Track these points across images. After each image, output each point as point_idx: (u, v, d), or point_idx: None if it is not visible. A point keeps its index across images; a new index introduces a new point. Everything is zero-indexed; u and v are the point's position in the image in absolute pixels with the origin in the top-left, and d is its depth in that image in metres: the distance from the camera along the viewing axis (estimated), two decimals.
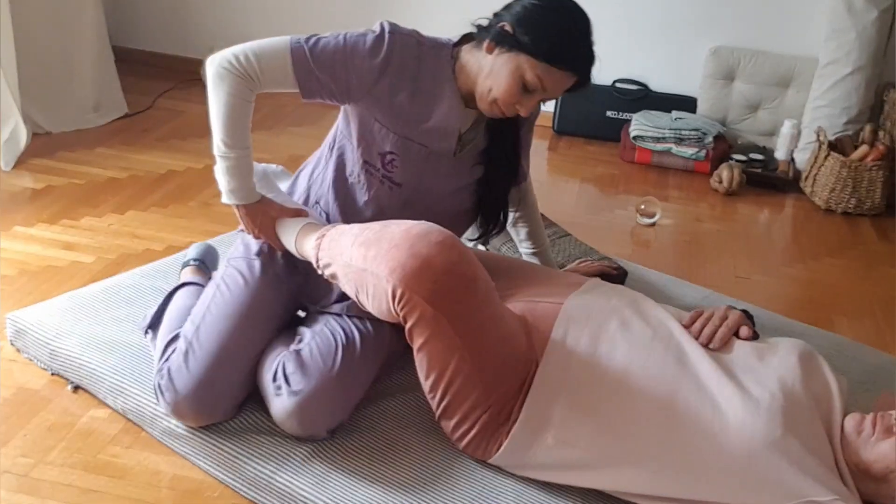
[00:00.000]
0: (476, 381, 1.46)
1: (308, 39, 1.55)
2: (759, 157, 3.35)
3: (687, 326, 1.56)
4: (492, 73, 1.54)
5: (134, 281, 2.05)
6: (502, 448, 1.49)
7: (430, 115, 1.61)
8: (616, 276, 2.08)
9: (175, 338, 1.65)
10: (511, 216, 1.92)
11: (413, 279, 1.37)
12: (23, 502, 1.49)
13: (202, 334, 1.60)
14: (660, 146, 3.38)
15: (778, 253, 2.80)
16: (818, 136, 3.19)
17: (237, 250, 1.75)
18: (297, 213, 1.67)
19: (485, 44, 1.55)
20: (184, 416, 1.58)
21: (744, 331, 1.57)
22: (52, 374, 1.81)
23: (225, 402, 1.60)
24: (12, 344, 1.89)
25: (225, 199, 1.64)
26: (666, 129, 3.36)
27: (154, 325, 1.78)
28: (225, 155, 1.59)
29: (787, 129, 3.35)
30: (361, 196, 1.68)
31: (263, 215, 1.65)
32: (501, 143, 1.72)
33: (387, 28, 1.57)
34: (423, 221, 1.47)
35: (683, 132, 3.34)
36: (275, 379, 1.57)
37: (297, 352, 1.58)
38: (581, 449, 1.44)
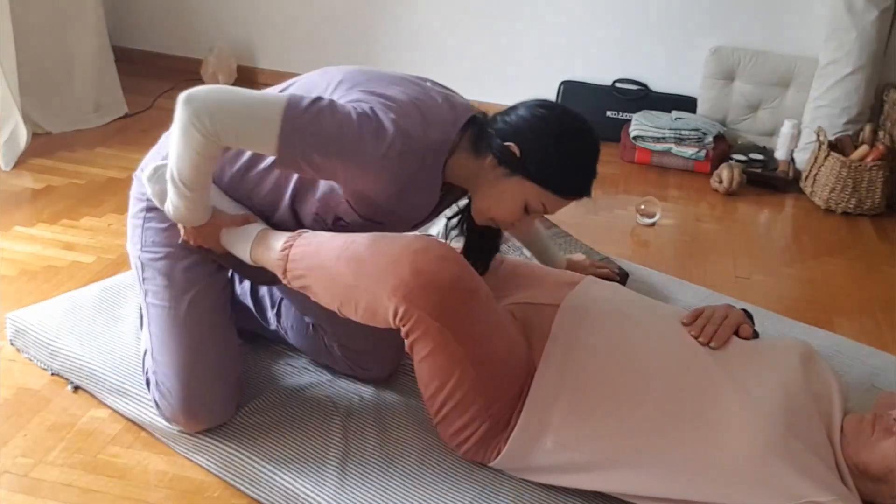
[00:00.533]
0: (478, 392, 1.45)
1: (304, 124, 1.35)
2: (759, 157, 3.35)
3: (687, 325, 1.57)
4: (492, 194, 1.46)
5: (134, 281, 2.04)
6: (502, 454, 1.49)
7: (410, 203, 1.50)
8: (618, 281, 2.08)
9: (146, 353, 1.64)
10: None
11: (418, 296, 1.34)
12: (23, 502, 1.49)
13: (159, 363, 1.58)
14: (660, 146, 3.38)
15: (778, 253, 2.80)
16: (818, 136, 3.19)
17: (143, 241, 1.60)
18: (245, 219, 1.55)
19: (487, 159, 1.44)
20: (186, 427, 1.59)
21: (744, 329, 1.57)
22: (52, 374, 1.81)
23: (217, 406, 1.59)
24: (12, 344, 1.89)
25: (174, 218, 1.50)
26: (666, 129, 3.36)
27: None
28: (183, 193, 1.44)
29: (787, 129, 3.35)
30: (316, 228, 1.56)
31: (209, 225, 1.53)
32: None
33: (395, 145, 1.37)
34: (417, 234, 1.44)
35: (683, 132, 3.34)
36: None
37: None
38: (581, 452, 1.44)
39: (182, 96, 1.35)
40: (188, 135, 1.36)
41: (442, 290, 1.35)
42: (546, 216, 2.45)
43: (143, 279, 1.62)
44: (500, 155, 1.43)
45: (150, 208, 1.61)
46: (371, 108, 1.39)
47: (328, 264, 1.42)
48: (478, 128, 1.49)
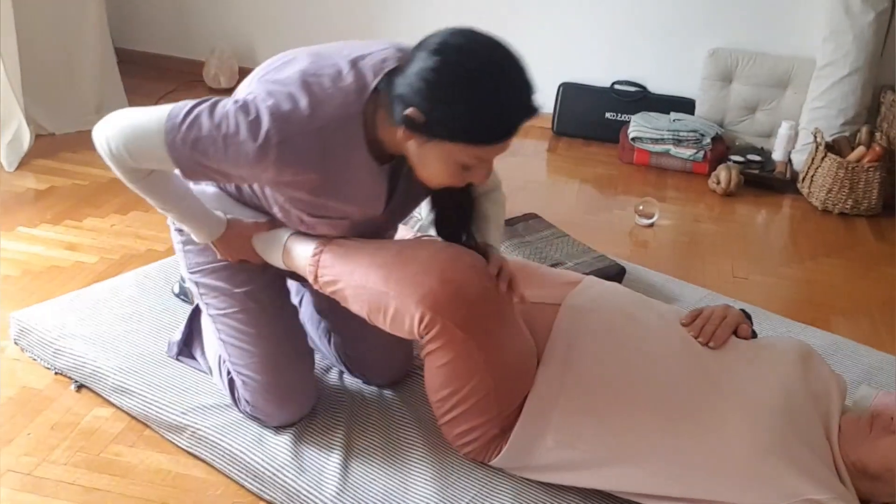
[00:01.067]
0: (492, 400, 1.45)
1: (185, 132, 1.29)
2: (757, 158, 3.36)
3: (686, 325, 1.57)
4: (423, 163, 1.32)
5: (137, 281, 2.06)
6: (502, 452, 1.50)
7: (348, 190, 1.39)
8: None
9: (224, 362, 1.66)
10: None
11: (446, 306, 1.33)
12: (26, 501, 1.50)
13: (240, 364, 1.61)
14: (658, 147, 3.39)
15: (775, 253, 2.81)
16: (815, 137, 3.20)
17: (188, 264, 1.63)
18: (271, 224, 1.53)
19: (399, 131, 1.29)
20: (279, 416, 1.62)
21: (742, 329, 1.58)
22: (56, 374, 1.83)
23: (305, 388, 1.64)
24: (16, 343, 1.90)
25: (197, 240, 1.53)
26: (664, 130, 3.37)
27: (185, 347, 1.79)
28: (170, 215, 1.48)
29: (784, 130, 3.36)
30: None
31: (238, 237, 1.53)
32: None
33: (271, 131, 1.27)
34: (446, 243, 1.41)
35: (682, 133, 3.36)
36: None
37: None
38: (581, 450, 1.45)
39: (95, 127, 1.35)
40: (108, 161, 1.36)
41: (470, 300, 1.35)
42: (542, 218, 2.46)
43: (201, 297, 1.63)
44: (407, 125, 1.26)
45: (182, 231, 1.62)
46: (253, 99, 1.30)
47: (358, 271, 1.41)
48: (383, 96, 1.32)
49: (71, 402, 1.75)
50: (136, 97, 3.45)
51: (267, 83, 1.33)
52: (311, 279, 1.49)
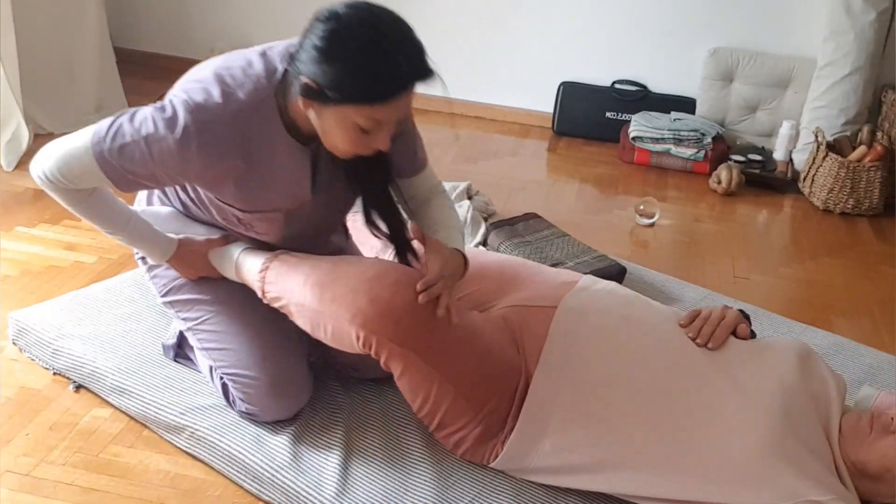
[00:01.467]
0: (461, 402, 1.48)
1: (109, 142, 1.37)
2: (758, 157, 3.35)
3: (684, 326, 1.57)
4: (325, 129, 1.36)
5: (135, 281, 2.06)
6: (500, 456, 1.51)
7: (271, 175, 1.44)
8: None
9: (215, 370, 1.67)
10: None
11: (376, 324, 1.38)
12: (25, 501, 1.50)
13: (232, 364, 1.61)
14: (659, 147, 3.38)
15: (776, 253, 2.81)
16: (816, 136, 3.20)
17: (158, 289, 1.72)
18: (224, 241, 1.60)
19: (299, 101, 1.34)
20: (276, 410, 1.62)
21: (741, 329, 1.57)
22: (54, 374, 1.82)
23: (300, 380, 1.64)
24: (14, 344, 1.90)
25: (152, 261, 1.62)
26: (665, 129, 3.36)
27: (179, 349, 1.79)
28: (117, 238, 1.56)
29: (785, 129, 3.36)
30: (242, 235, 1.61)
31: (192, 254, 1.61)
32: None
33: (189, 124, 1.33)
34: (375, 259, 1.45)
35: (682, 133, 3.35)
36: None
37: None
38: (579, 454, 1.45)
39: (30, 166, 1.45)
40: (50, 191, 1.46)
41: (398, 316, 1.38)
42: (542, 218, 2.46)
43: (178, 315, 1.70)
44: (304, 93, 1.32)
45: (143, 258, 1.75)
46: (169, 99, 1.37)
47: (297, 289, 1.48)
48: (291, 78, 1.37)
49: (69, 402, 1.75)
50: (136, 97, 3.44)
51: (183, 83, 1.42)
52: (259, 294, 1.56)
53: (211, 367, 1.67)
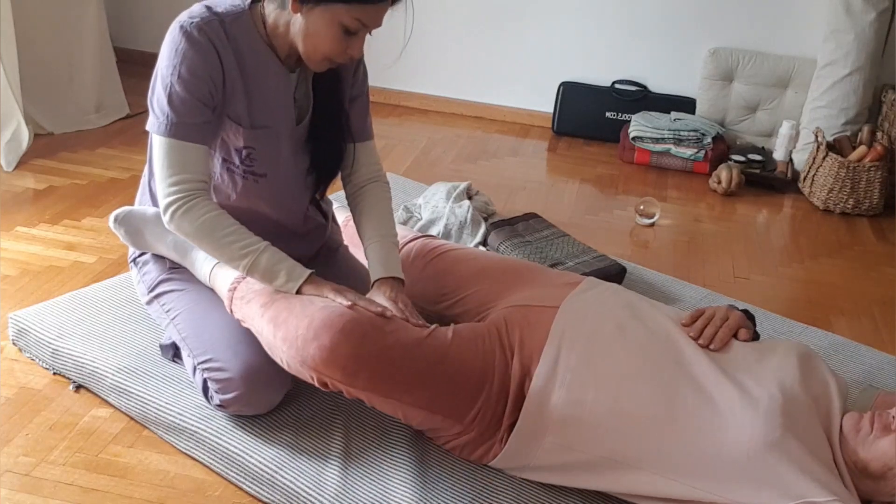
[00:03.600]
0: (437, 419, 1.51)
1: (159, 112, 1.51)
2: (758, 157, 3.36)
3: (686, 326, 1.56)
4: (309, 32, 1.49)
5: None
6: (500, 453, 1.51)
7: (264, 91, 1.59)
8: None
9: (195, 370, 1.66)
10: (354, 206, 1.80)
11: (326, 371, 1.43)
12: (24, 501, 1.50)
13: (208, 356, 1.61)
14: (659, 147, 3.39)
15: (776, 253, 2.81)
16: (816, 136, 3.20)
17: (148, 286, 1.78)
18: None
19: (290, 4, 1.48)
20: (253, 402, 1.61)
21: (742, 333, 1.57)
22: (54, 374, 1.82)
23: (276, 375, 1.61)
24: (14, 344, 1.90)
25: (290, 289, 1.57)
26: (665, 129, 3.37)
27: (177, 349, 1.79)
28: (248, 269, 1.55)
29: (785, 129, 3.36)
30: (231, 194, 1.67)
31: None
32: (327, 98, 1.68)
33: (186, 26, 1.50)
34: (325, 304, 1.47)
35: (682, 133, 3.35)
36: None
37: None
38: (580, 452, 1.45)
39: (165, 219, 1.54)
40: (186, 222, 1.53)
41: (343, 363, 1.42)
42: (542, 218, 2.46)
43: (164, 308, 1.73)
44: None
45: (135, 259, 1.83)
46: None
47: (256, 319, 1.55)
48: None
49: (69, 402, 1.75)
50: (136, 97, 3.44)
51: None
52: (228, 311, 1.63)
53: (194, 366, 1.66)
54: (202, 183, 1.54)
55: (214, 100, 1.53)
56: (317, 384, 1.48)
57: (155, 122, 1.52)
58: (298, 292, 1.56)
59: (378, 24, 1.50)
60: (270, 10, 1.54)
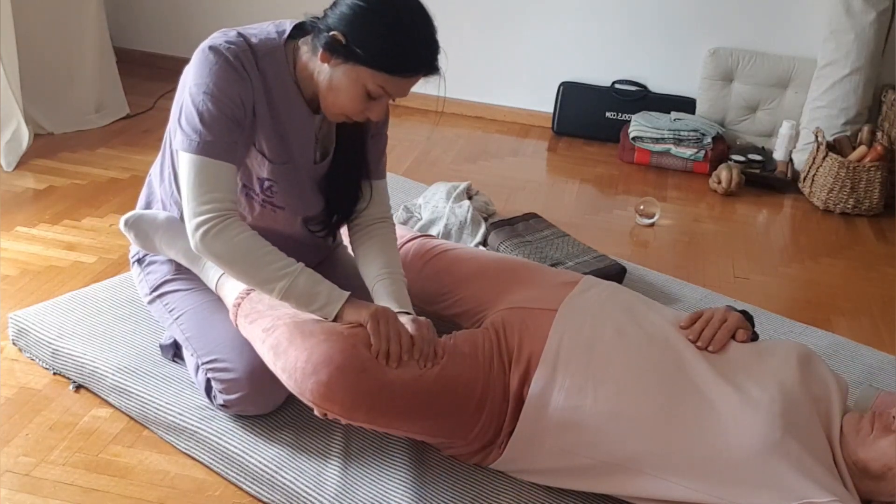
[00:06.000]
0: (439, 438, 1.53)
1: (189, 129, 1.47)
2: (758, 157, 3.36)
3: (685, 328, 1.56)
4: (333, 85, 1.48)
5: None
6: (501, 457, 1.51)
7: (288, 127, 1.57)
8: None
9: (198, 369, 1.67)
10: (360, 243, 1.74)
11: (323, 402, 1.44)
12: (24, 501, 1.50)
13: (213, 356, 1.61)
14: (659, 147, 3.39)
15: (776, 253, 2.81)
16: (816, 136, 3.20)
17: (150, 286, 1.78)
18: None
19: (319, 53, 1.46)
20: (257, 402, 1.62)
21: (740, 335, 1.56)
22: (54, 374, 1.82)
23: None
24: (14, 344, 1.90)
25: (329, 313, 1.53)
26: (665, 129, 3.37)
27: (177, 349, 1.79)
28: (284, 293, 1.50)
29: (785, 129, 3.36)
30: (247, 216, 1.65)
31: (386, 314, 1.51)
32: (350, 139, 1.67)
33: (221, 49, 1.48)
34: (326, 335, 1.45)
35: (682, 133, 3.35)
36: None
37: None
38: (581, 455, 1.45)
39: (192, 242, 1.49)
40: (218, 243, 1.48)
41: (341, 397, 1.43)
42: (542, 218, 2.45)
43: (167, 307, 1.73)
44: (328, 46, 1.44)
45: (139, 261, 1.81)
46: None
47: (257, 343, 1.55)
48: (308, 28, 1.52)
49: (69, 402, 1.75)
50: (136, 97, 3.45)
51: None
52: (233, 322, 1.63)
53: (197, 365, 1.66)
54: (232, 203, 1.50)
55: (244, 122, 1.51)
56: (317, 414, 1.47)
57: (185, 140, 1.48)
58: (337, 318, 1.52)
59: (403, 94, 1.48)
60: (304, 52, 1.53)
